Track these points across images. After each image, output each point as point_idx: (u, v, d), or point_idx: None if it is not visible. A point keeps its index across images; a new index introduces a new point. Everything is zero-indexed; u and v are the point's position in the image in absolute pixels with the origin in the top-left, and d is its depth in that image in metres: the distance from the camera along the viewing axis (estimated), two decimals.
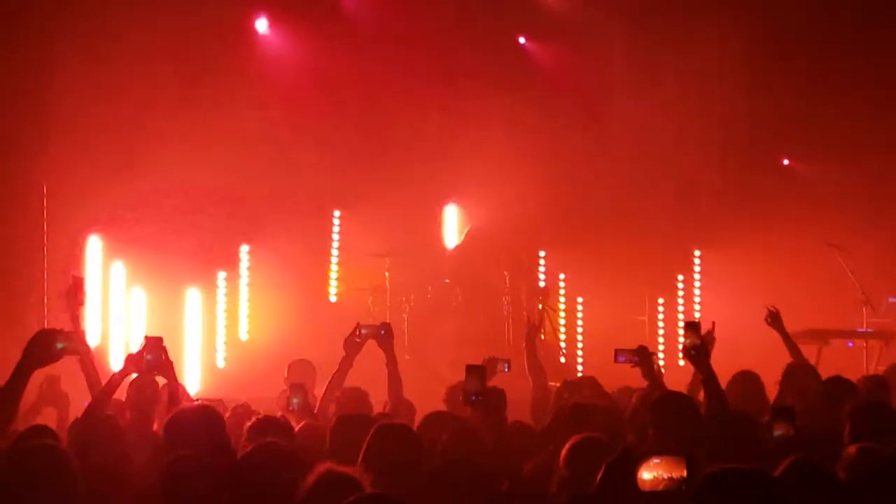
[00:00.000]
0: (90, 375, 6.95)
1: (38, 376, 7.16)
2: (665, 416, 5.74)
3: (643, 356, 7.29)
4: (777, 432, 5.42)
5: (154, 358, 6.45)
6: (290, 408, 6.89)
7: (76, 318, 7.38)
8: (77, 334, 6.42)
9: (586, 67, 15.16)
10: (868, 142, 14.45)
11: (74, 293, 7.52)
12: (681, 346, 6.71)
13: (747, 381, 7.39)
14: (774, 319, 8.55)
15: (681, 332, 14.82)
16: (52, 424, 6.77)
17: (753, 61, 14.94)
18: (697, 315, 15.34)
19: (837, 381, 7.35)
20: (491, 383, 6.73)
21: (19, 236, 12.67)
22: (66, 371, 8.10)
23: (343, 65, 14.58)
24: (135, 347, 11.88)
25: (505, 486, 5.22)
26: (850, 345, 12.97)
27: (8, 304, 12.42)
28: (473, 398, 6.38)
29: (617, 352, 7.46)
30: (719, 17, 14.74)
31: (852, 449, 4.77)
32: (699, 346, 6.48)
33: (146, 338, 6.55)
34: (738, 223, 14.72)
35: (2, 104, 12.35)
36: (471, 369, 6.52)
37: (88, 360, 6.96)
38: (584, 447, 5.15)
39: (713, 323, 7.87)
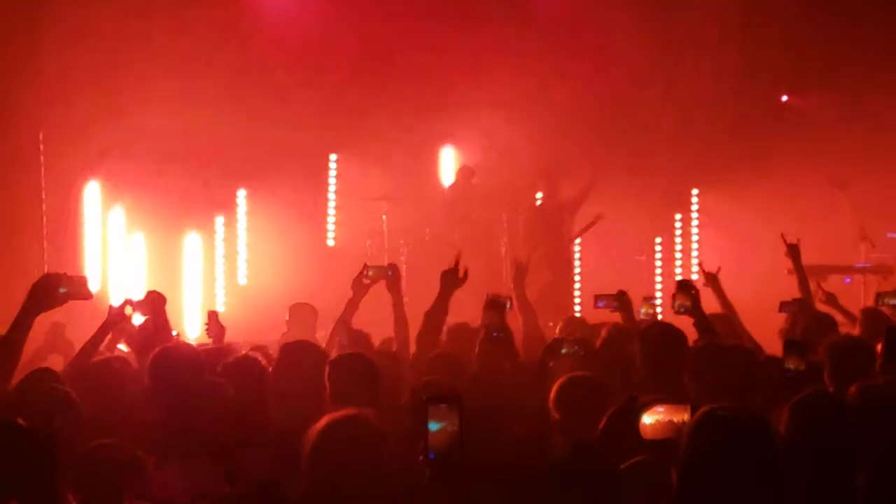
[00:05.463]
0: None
1: (43, 324, 7.23)
2: (653, 344, 5.78)
3: (622, 301, 7.29)
4: (789, 366, 5.39)
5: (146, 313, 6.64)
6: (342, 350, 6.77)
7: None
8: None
9: (583, 7, 15.04)
10: (869, 76, 14.35)
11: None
12: (673, 306, 6.72)
13: (722, 322, 7.43)
14: (793, 251, 8.56)
15: (678, 271, 15.02)
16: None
17: None
18: (695, 255, 15.38)
19: (819, 318, 7.42)
20: None
21: (18, 185, 12.64)
22: (71, 318, 8.15)
23: (339, 7, 14.49)
24: (134, 292, 11.97)
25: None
26: (848, 280, 13.02)
27: (8, 252, 12.42)
28: (496, 334, 6.28)
29: (597, 297, 7.44)
30: None
31: (853, 388, 4.79)
32: (689, 307, 6.50)
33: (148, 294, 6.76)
34: (736, 161, 14.68)
35: None
36: (492, 305, 6.37)
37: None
38: (571, 387, 5.16)
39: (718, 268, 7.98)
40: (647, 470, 3.80)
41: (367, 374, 5.40)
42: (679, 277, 12.60)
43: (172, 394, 5.28)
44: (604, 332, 6.85)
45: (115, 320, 6.73)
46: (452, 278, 7.04)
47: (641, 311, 7.43)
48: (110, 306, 6.90)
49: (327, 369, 5.42)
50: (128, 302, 6.79)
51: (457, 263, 7.11)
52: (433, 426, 3.43)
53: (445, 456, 3.38)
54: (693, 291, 6.58)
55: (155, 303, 6.69)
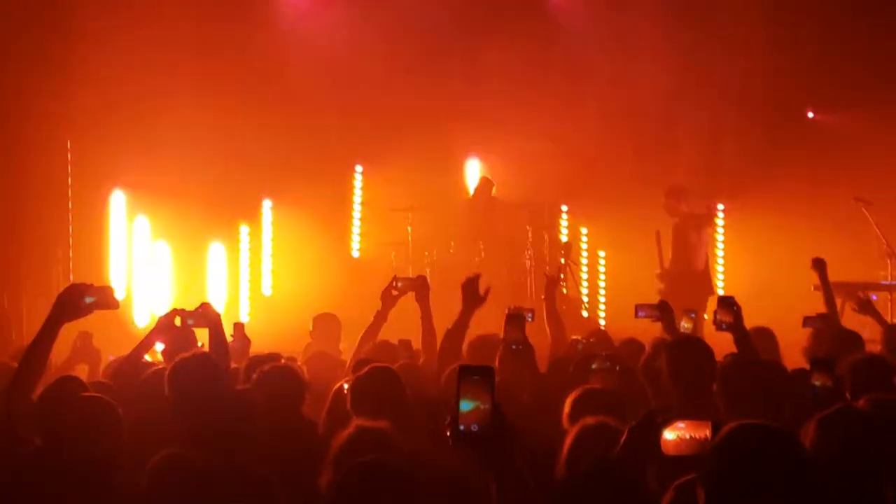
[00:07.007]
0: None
1: (71, 332, 7.25)
2: (680, 359, 5.74)
3: (664, 311, 7.23)
4: (817, 383, 5.27)
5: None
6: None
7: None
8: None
9: (608, 21, 15.04)
10: (895, 92, 14.29)
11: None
12: (714, 321, 6.63)
13: (761, 336, 7.34)
14: (819, 266, 8.52)
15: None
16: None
17: (776, 11, 14.77)
18: (721, 269, 15.32)
19: (845, 335, 7.37)
20: None
21: (45, 192, 12.71)
22: (98, 327, 8.18)
23: (365, 18, 14.53)
24: (158, 302, 12.01)
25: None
26: (874, 298, 12.92)
27: (35, 260, 12.49)
28: (514, 347, 6.32)
29: (637, 307, 7.39)
30: None
31: (861, 401, 4.76)
32: (731, 324, 6.42)
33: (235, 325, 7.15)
34: (761, 176, 14.62)
35: (25, 61, 12.36)
36: (511, 318, 6.44)
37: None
38: (585, 401, 5.10)
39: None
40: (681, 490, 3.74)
41: (390, 387, 5.39)
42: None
43: (191, 404, 5.27)
44: (648, 348, 6.77)
45: (164, 329, 6.70)
46: (473, 294, 7.08)
47: (682, 325, 7.35)
48: (160, 316, 6.90)
49: (351, 384, 5.40)
50: (178, 312, 6.77)
51: (476, 280, 7.12)
52: (465, 405, 3.14)
53: (476, 431, 3.15)
54: (735, 308, 6.51)
55: (212, 315, 6.64)
